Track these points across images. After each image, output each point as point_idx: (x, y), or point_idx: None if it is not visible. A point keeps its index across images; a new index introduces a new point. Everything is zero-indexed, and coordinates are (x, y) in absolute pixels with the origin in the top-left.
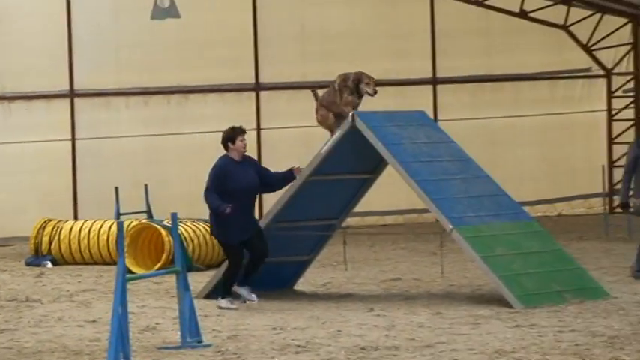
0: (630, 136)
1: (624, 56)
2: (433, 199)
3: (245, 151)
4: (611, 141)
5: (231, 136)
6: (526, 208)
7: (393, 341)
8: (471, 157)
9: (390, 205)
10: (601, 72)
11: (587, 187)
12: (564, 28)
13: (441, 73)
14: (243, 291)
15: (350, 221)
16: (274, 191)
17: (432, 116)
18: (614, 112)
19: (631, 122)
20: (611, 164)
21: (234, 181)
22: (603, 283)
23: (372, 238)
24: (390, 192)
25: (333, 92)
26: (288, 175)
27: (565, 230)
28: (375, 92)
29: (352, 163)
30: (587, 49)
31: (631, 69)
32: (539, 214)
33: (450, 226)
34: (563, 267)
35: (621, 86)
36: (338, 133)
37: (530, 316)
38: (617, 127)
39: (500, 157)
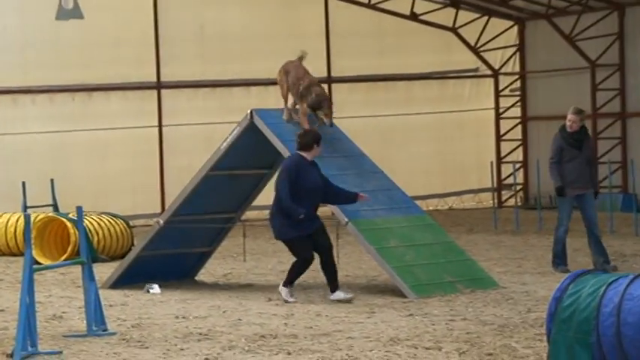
0: (517, 133)
1: (510, 57)
2: None
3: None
4: (499, 138)
5: (318, 138)
6: (418, 202)
7: (291, 330)
8: (366, 154)
9: None
10: (489, 72)
11: (476, 182)
12: (453, 30)
13: (335, 73)
14: (339, 295)
15: (249, 214)
16: (329, 203)
17: None
18: (501, 110)
19: (517, 120)
20: (500, 160)
21: (306, 179)
22: (493, 274)
23: (270, 230)
24: None
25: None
26: (350, 197)
27: (456, 223)
28: (331, 124)
29: (251, 159)
30: (475, 50)
31: (517, 69)
32: (430, 208)
33: (346, 219)
34: (455, 258)
35: (508, 86)
36: (237, 130)
37: (423, 305)
38: (505, 125)
39: (394, 153)
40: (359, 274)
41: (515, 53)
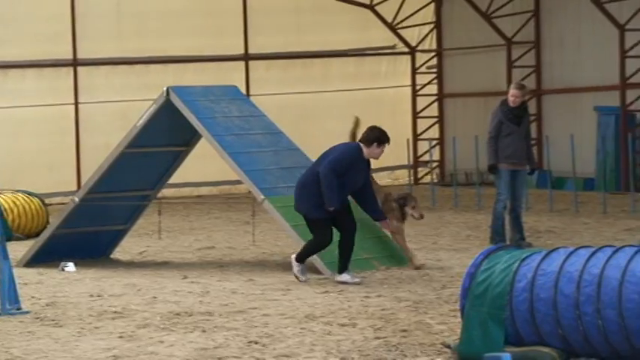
0: (433, 110)
1: (427, 34)
2: (245, 171)
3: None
4: (415, 115)
5: (383, 139)
6: None
7: (207, 307)
8: (282, 131)
9: (204, 176)
10: (406, 49)
11: (393, 159)
12: (370, 7)
13: (253, 50)
14: (345, 277)
15: (165, 192)
16: (354, 200)
17: (244, 91)
18: (418, 87)
19: (434, 97)
20: (416, 137)
21: (352, 175)
22: None
23: (187, 208)
24: (204, 164)
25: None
26: (374, 211)
27: None
28: (422, 216)
29: (167, 136)
30: (392, 27)
31: (434, 47)
32: None
33: (262, 197)
34: (370, 235)
35: (424, 63)
36: (153, 107)
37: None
38: (421, 102)
39: (310, 130)
40: (275, 252)
41: (432, 30)
